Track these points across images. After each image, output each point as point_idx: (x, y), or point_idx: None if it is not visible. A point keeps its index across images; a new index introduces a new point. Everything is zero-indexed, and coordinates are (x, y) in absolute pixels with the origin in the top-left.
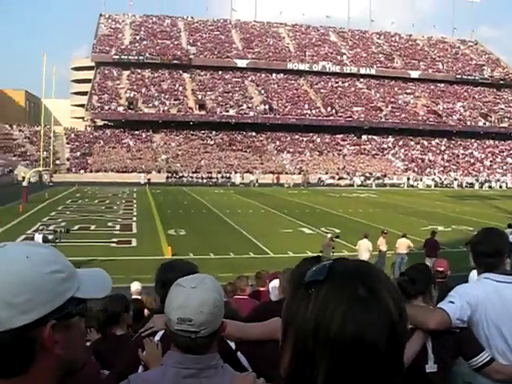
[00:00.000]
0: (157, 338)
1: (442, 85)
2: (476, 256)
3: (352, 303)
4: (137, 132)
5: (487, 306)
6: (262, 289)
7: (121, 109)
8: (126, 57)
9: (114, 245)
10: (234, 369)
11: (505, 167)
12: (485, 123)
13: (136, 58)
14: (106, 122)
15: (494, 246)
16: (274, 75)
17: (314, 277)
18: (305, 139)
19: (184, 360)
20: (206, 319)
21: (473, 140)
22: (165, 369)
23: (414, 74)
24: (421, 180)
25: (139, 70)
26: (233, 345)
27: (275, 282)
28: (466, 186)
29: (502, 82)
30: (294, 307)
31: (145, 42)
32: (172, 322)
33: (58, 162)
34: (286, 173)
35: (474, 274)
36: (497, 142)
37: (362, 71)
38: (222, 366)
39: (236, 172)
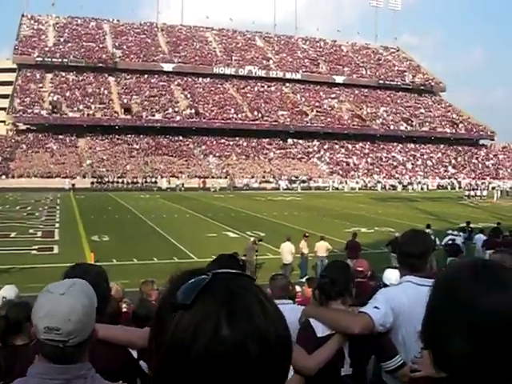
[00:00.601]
0: None
1: (366, 90)
2: (401, 256)
3: (210, 342)
4: (61, 136)
5: (409, 312)
6: None
7: (44, 112)
8: (49, 59)
9: (34, 252)
10: (137, 377)
11: (426, 170)
12: (406, 127)
13: (60, 60)
14: (29, 126)
15: (420, 247)
16: (200, 79)
17: (182, 299)
18: (231, 143)
19: (49, 370)
20: (74, 328)
21: (395, 143)
22: (27, 380)
23: (339, 79)
24: (346, 183)
25: (63, 73)
26: (135, 353)
27: None
28: (390, 189)
29: (422, 87)
30: (160, 324)
31: (69, 45)
32: (39, 331)
33: None
34: (213, 177)
35: (387, 272)
36: (417, 146)
37: (288, 76)
38: (92, 376)
39: (162, 176)
